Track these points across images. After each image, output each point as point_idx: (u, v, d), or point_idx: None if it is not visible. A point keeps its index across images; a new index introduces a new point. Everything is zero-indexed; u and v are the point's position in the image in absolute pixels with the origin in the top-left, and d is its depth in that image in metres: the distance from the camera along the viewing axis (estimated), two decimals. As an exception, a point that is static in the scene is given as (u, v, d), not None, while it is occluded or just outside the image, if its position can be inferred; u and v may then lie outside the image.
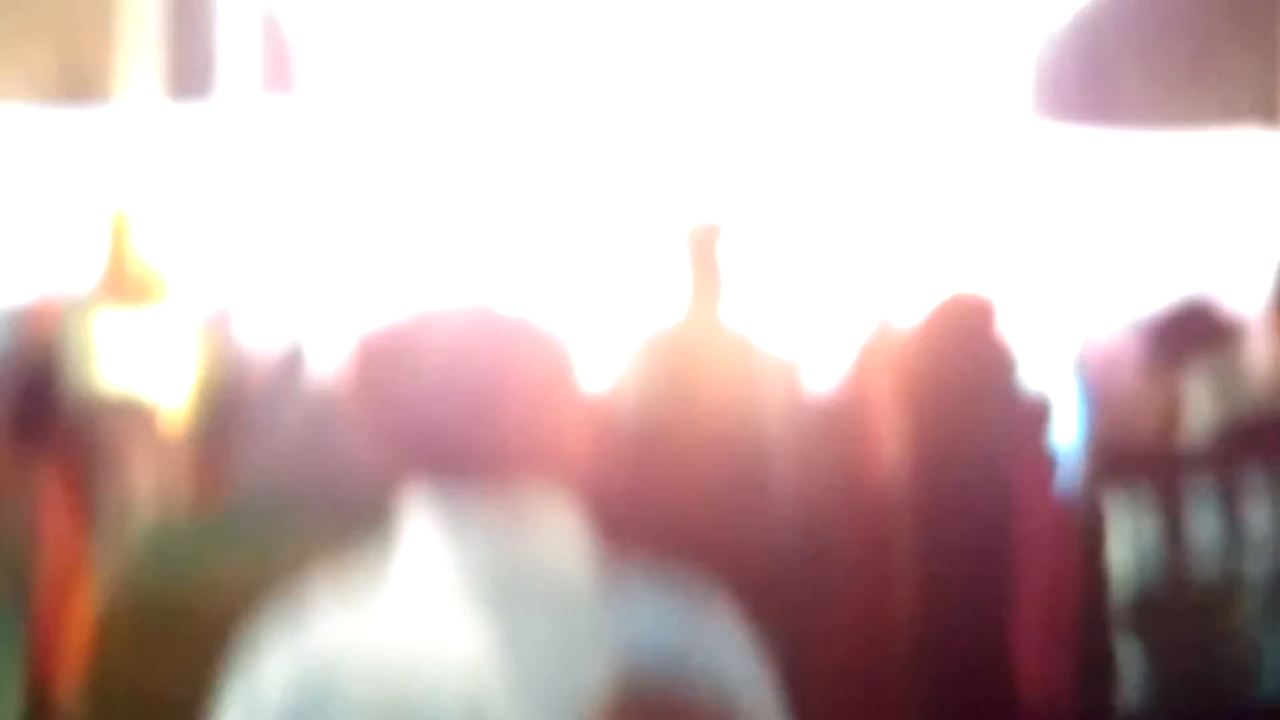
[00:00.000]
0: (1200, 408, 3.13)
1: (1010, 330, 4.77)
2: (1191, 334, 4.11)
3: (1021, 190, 10.36)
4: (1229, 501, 2.99)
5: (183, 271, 7.04)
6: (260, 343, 6.77)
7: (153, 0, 8.64)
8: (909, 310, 5.08)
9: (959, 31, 12.28)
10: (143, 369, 5.87)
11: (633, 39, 12.31)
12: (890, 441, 4.67)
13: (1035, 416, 4.61)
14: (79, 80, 9.69)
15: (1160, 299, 4.35)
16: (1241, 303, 4.12)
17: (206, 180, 10.42)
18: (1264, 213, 9.41)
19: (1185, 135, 10.45)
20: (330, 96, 11.44)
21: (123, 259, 6.47)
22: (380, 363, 1.79)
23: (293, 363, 4.27)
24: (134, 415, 5.42)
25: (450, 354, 1.74)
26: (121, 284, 6.35)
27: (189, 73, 10.01)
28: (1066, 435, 5.01)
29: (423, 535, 1.69)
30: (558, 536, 1.71)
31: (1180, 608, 3.09)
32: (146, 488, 4.48)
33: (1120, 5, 11.67)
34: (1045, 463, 4.46)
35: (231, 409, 5.07)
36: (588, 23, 12.32)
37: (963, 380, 4.60)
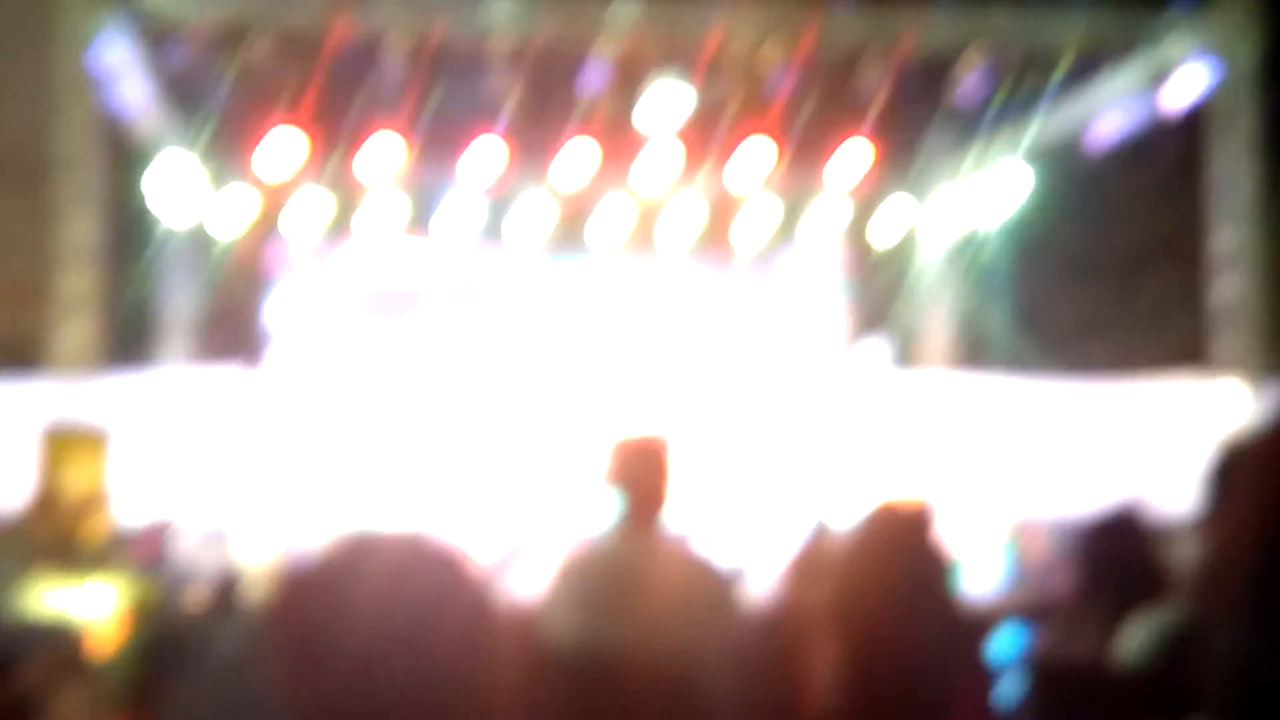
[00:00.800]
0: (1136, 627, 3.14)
1: (946, 537, 4.79)
2: (1125, 535, 4.15)
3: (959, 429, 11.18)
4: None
5: (120, 491, 6.98)
6: (195, 565, 6.68)
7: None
8: (844, 517, 5.09)
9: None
10: (75, 591, 5.79)
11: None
12: (828, 651, 4.64)
13: (971, 625, 4.60)
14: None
15: (1095, 505, 4.40)
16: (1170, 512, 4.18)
17: (145, 412, 10.45)
18: (1194, 450, 9.76)
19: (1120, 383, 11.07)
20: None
21: (57, 479, 6.41)
22: (309, 595, 1.77)
23: (227, 589, 4.21)
24: (64, 639, 5.33)
25: (380, 589, 1.72)
26: (56, 504, 6.28)
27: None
28: (1006, 646, 5.00)
29: None
30: None
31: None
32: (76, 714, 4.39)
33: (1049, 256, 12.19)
34: (982, 673, 4.45)
35: (164, 634, 4.99)
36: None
37: (899, 587, 4.59)
